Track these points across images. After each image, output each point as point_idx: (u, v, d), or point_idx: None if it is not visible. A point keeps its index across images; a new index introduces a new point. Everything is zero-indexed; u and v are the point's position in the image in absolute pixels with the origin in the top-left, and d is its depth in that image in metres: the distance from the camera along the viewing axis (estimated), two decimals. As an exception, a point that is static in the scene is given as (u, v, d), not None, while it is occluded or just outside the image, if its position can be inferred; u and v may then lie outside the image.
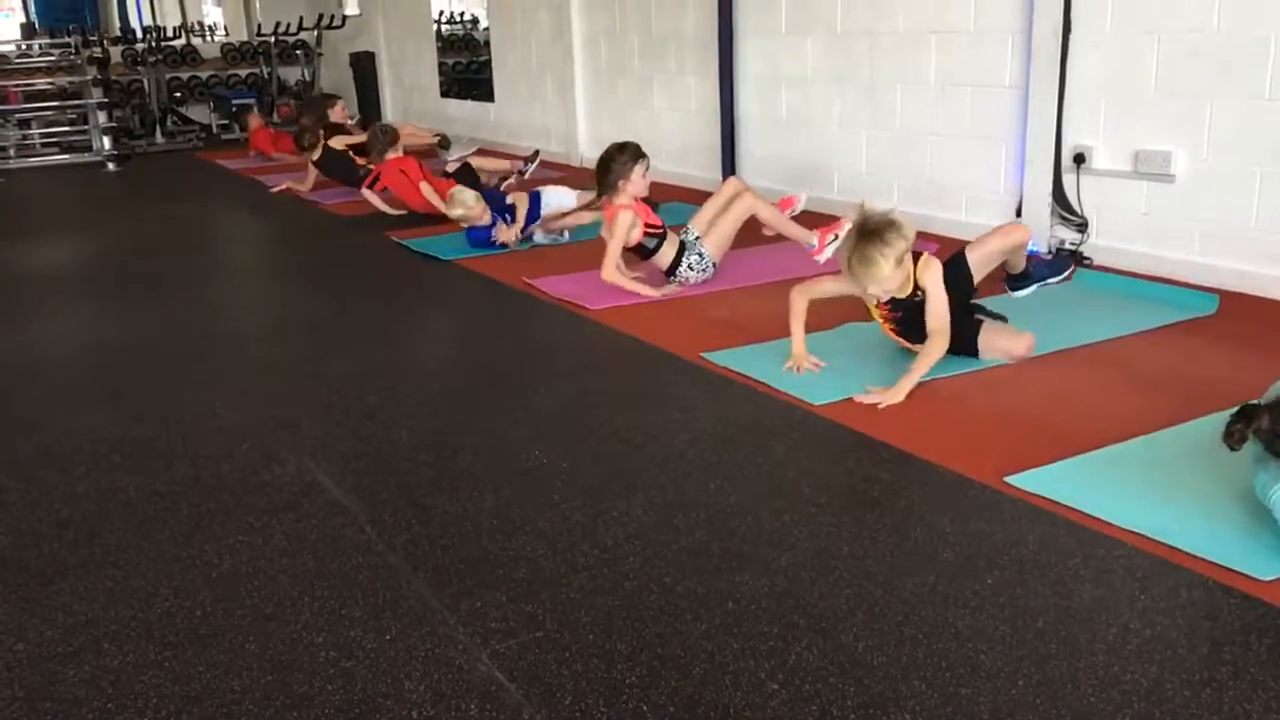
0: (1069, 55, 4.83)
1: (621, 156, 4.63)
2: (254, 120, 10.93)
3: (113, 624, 2.25)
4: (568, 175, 8.37)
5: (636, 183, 4.69)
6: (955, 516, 2.57)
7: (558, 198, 6.09)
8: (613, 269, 4.65)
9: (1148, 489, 2.64)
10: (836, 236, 4.76)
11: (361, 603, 2.30)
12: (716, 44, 6.81)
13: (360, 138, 8.03)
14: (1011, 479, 2.71)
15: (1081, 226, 4.92)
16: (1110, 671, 1.95)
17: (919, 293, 3.46)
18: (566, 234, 6.03)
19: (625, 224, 4.60)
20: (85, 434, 3.37)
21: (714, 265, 4.77)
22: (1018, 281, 3.98)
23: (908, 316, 3.55)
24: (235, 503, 2.83)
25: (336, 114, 8.88)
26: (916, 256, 3.43)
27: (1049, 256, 3.62)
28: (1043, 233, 5.04)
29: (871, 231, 3.28)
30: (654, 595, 2.29)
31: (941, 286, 3.44)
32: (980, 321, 3.65)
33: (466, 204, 5.84)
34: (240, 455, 3.16)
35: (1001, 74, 5.21)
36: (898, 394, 3.29)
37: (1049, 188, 4.99)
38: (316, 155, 8.04)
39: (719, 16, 6.84)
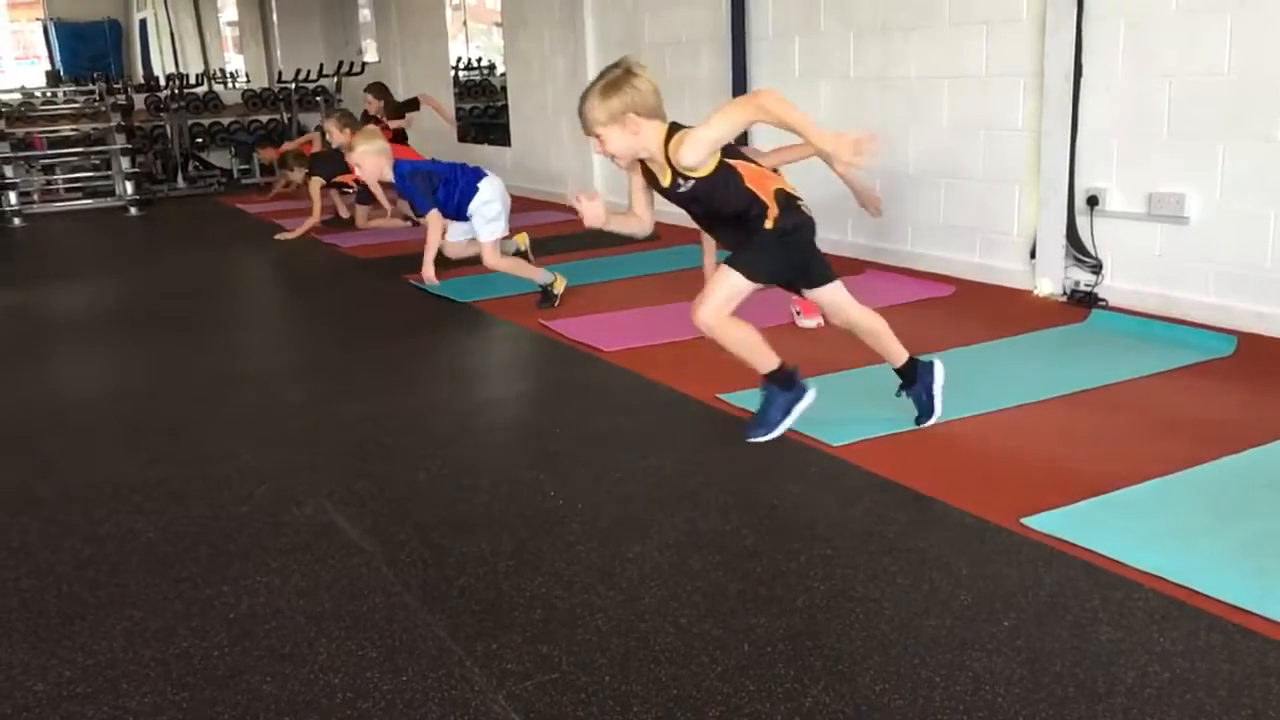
0: (1081, 98, 4.87)
1: None
2: (268, 152, 11.39)
3: (131, 664, 2.26)
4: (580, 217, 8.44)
5: None
6: (972, 559, 2.56)
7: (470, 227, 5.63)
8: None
9: (1166, 531, 2.63)
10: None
11: (378, 643, 2.30)
12: (730, 89, 6.89)
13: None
14: (1028, 521, 2.71)
15: (1095, 268, 4.93)
16: (1129, 715, 1.94)
17: (681, 180, 3.08)
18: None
19: None
20: (105, 475, 3.40)
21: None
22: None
23: (701, 210, 3.20)
24: (253, 544, 2.85)
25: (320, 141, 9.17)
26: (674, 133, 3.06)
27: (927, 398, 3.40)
28: (1057, 274, 5.06)
29: (603, 76, 3.06)
30: (670, 636, 2.29)
31: (699, 139, 2.98)
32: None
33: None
34: (258, 497, 3.18)
35: (1014, 117, 5.26)
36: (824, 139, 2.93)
37: (1063, 229, 5.01)
38: (301, 175, 8.36)
39: (732, 63, 6.93)
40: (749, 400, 3.75)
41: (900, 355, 3.35)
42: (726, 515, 2.89)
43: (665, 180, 3.15)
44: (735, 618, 2.34)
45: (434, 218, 5.54)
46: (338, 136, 7.65)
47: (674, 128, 3.10)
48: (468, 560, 2.70)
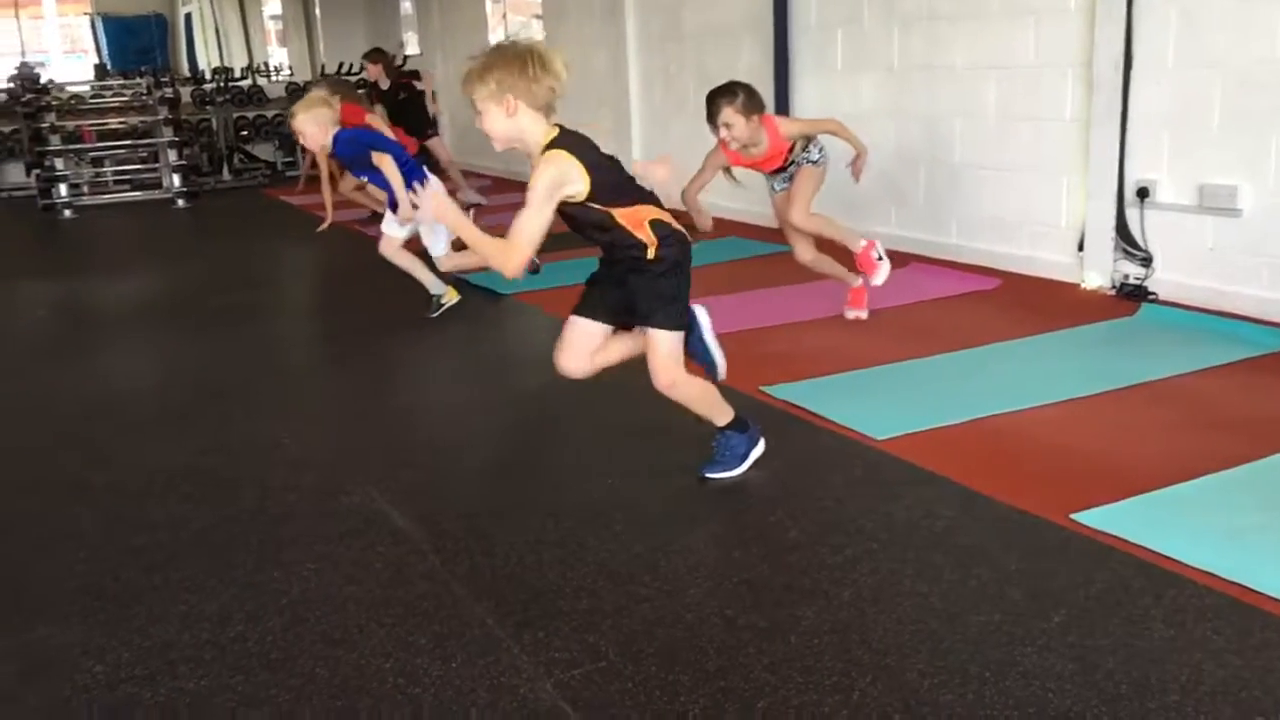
0: (1131, 88, 4.80)
1: None
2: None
3: (188, 648, 2.30)
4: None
5: None
6: (1021, 554, 2.54)
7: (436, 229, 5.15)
8: None
9: (1219, 528, 2.59)
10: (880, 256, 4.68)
11: (427, 630, 2.33)
12: (773, 82, 6.86)
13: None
14: (1078, 516, 2.68)
15: (1145, 261, 4.86)
16: (1183, 713, 1.92)
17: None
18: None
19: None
20: (157, 464, 3.46)
21: None
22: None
23: (575, 223, 2.88)
24: (302, 531, 2.88)
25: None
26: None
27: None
28: (1106, 267, 5.00)
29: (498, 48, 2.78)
30: (716, 628, 2.29)
31: (539, 192, 2.65)
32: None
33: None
34: (306, 485, 3.22)
35: (1062, 108, 5.19)
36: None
37: (1112, 222, 4.95)
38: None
39: (775, 55, 6.90)
40: (792, 393, 3.74)
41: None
42: (771, 508, 2.88)
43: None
44: (781, 610, 2.34)
45: (386, 164, 5.02)
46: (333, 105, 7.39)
47: (561, 137, 2.74)
48: (513, 549, 2.72)
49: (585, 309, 2.99)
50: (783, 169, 4.63)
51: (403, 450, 3.48)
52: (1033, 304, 4.89)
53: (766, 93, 6.96)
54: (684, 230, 2.93)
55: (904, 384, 3.80)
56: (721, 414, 3.08)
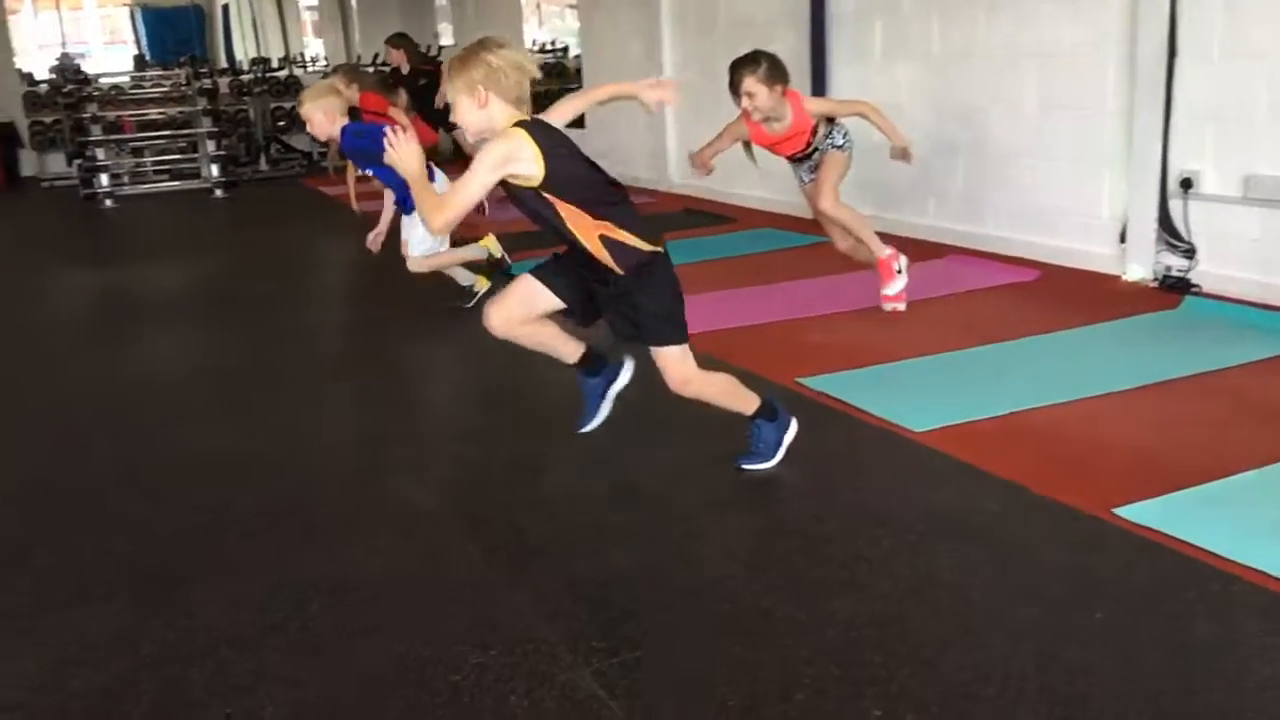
0: (1175, 78, 4.72)
1: None
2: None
3: (231, 630, 2.33)
4: (655, 201, 8.45)
5: None
6: (1062, 548, 2.52)
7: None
8: None
9: (1265, 524, 2.55)
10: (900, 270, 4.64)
11: (465, 618, 2.34)
12: (809, 70, 6.82)
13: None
14: (1120, 511, 2.65)
15: (1189, 253, 4.79)
16: (1228, 710, 1.90)
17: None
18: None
19: None
20: (201, 448, 3.50)
21: None
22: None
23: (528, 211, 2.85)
24: (343, 518, 2.91)
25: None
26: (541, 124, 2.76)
27: None
28: (1148, 259, 4.93)
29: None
30: (753, 619, 2.29)
31: (484, 161, 2.66)
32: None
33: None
34: (345, 472, 3.25)
35: (1104, 97, 5.12)
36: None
37: (1154, 213, 4.88)
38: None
39: (811, 43, 6.85)
40: (829, 384, 3.73)
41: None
42: (807, 500, 2.88)
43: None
44: (818, 602, 2.34)
45: (389, 194, 5.21)
46: (345, 93, 6.96)
47: (527, 122, 2.73)
48: (549, 539, 2.73)
49: (546, 275, 2.91)
50: (806, 156, 4.57)
51: (439, 439, 3.50)
52: (1073, 296, 4.83)
53: (803, 82, 6.94)
54: (653, 250, 2.81)
55: (942, 376, 3.77)
56: (746, 403, 3.04)
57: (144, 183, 11.19)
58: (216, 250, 7.84)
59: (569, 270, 2.90)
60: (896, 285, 4.61)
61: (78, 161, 10.72)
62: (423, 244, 5.08)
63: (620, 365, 3.12)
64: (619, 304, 2.86)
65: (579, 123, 10.28)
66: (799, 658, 2.12)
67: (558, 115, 2.93)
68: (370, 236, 5.43)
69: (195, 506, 3.03)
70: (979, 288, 5.05)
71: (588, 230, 2.77)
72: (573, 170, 2.75)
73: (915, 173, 6.30)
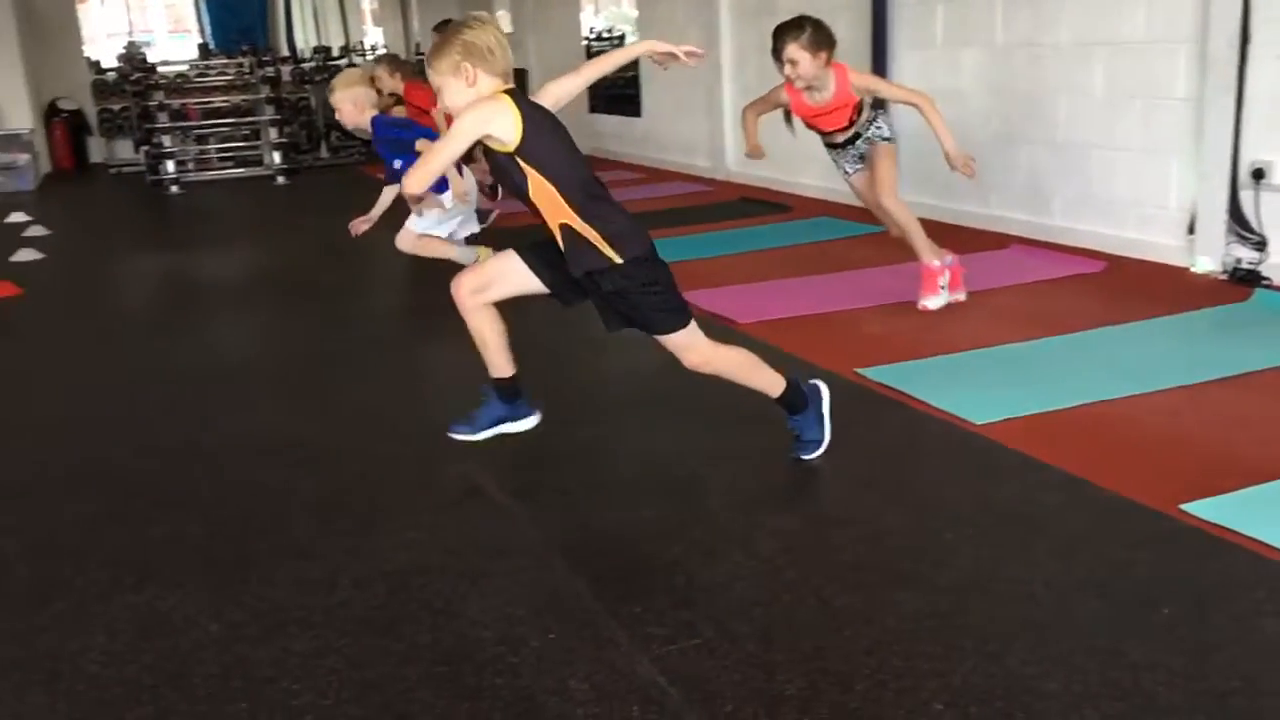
0: (1247, 65, 4.61)
1: None
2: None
3: (297, 611, 2.38)
4: (713, 189, 8.43)
5: None
6: (1127, 544, 2.48)
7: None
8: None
9: (1339, 523, 2.49)
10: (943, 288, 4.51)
11: (526, 602, 2.37)
12: (870, 59, 6.75)
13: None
14: (1188, 507, 2.60)
15: (1260, 245, 4.67)
16: (1301, 712, 1.86)
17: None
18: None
19: None
20: (266, 431, 3.57)
21: None
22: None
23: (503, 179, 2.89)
24: (405, 501, 2.95)
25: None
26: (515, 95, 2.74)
27: None
28: (1217, 251, 4.82)
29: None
30: (812, 608, 2.29)
31: (460, 123, 2.69)
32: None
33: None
34: (407, 456, 3.29)
35: (1174, 86, 5.01)
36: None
37: (1225, 204, 4.76)
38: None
39: (872, 30, 6.78)
40: (888, 375, 3.70)
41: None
42: (867, 491, 2.86)
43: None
44: (879, 593, 2.33)
45: (390, 189, 5.23)
46: (388, 83, 6.73)
47: (510, 91, 2.76)
48: (609, 525, 2.75)
49: (530, 256, 2.90)
50: (849, 141, 4.41)
51: (499, 424, 3.53)
52: (1140, 288, 4.74)
53: (864, 69, 6.87)
54: (612, 261, 2.77)
55: (1005, 368, 3.73)
56: (771, 383, 2.98)
57: (208, 169, 11.38)
58: (278, 236, 7.96)
59: (553, 251, 2.88)
60: (935, 300, 4.44)
61: (144, 148, 10.94)
62: (422, 223, 5.06)
63: (525, 413, 3.08)
64: (610, 301, 2.85)
65: (635, 110, 10.20)
66: (859, 648, 2.12)
67: (550, 98, 2.91)
68: (357, 221, 5.33)
69: (261, 488, 3.10)
70: (1043, 279, 4.98)
71: (554, 213, 2.76)
72: (551, 145, 2.75)
73: (976, 162, 6.21)
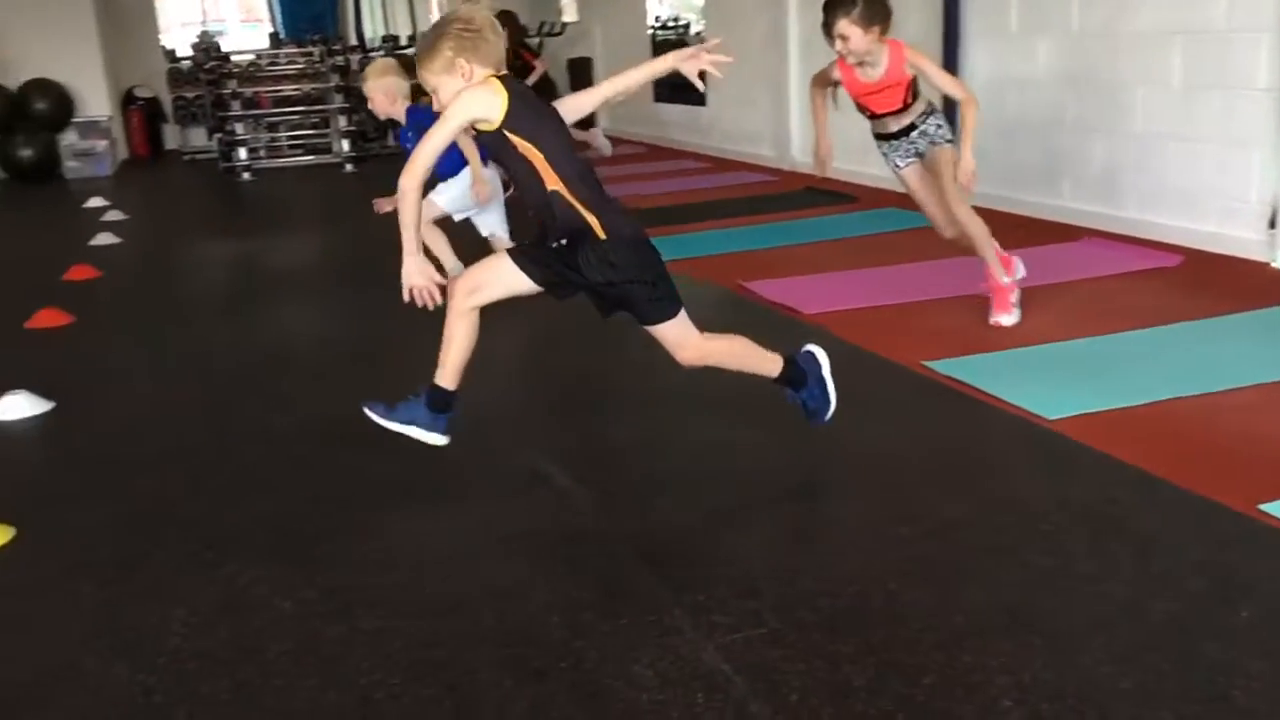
0: (1337, 54, 4.46)
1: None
2: None
3: (363, 590, 2.43)
4: (778, 180, 8.37)
5: None
6: (1204, 544, 2.43)
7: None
8: None
9: None
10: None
11: (592, 588, 2.38)
12: (941, 46, 6.64)
13: None
14: (1267, 507, 2.54)
15: (1346, 240, 4.53)
16: (1387, 720, 1.81)
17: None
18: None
19: None
20: (335, 413, 3.62)
21: None
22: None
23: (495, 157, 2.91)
24: (469, 486, 2.99)
25: None
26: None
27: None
28: (1301, 246, 4.68)
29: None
30: (878, 601, 2.27)
31: (449, 111, 2.68)
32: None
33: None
34: (472, 442, 3.31)
35: (1255, 75, 4.86)
36: None
37: (1309, 198, 4.62)
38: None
39: (944, 18, 6.67)
40: (957, 368, 3.65)
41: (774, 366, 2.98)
42: (935, 485, 2.83)
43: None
44: (947, 588, 2.30)
45: (466, 143, 4.93)
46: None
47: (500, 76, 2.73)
48: (673, 514, 2.75)
49: (519, 257, 2.87)
50: (903, 130, 4.19)
51: (562, 413, 3.56)
52: (1218, 283, 4.62)
53: (935, 58, 6.76)
54: (596, 231, 2.73)
55: (1077, 363, 3.66)
56: (769, 364, 2.94)
57: (279, 156, 11.58)
58: (346, 223, 8.06)
59: (543, 249, 2.85)
60: (1009, 318, 4.18)
61: (218, 135, 11.17)
62: (452, 202, 5.08)
63: (440, 428, 2.98)
64: (602, 291, 2.82)
65: (700, 99, 10.12)
66: (927, 643, 2.10)
67: (570, 109, 2.88)
68: (382, 200, 5.25)
69: (331, 469, 3.15)
70: (1116, 272, 4.87)
71: (546, 182, 2.71)
72: (541, 122, 2.72)
73: (1048, 153, 6.11)
